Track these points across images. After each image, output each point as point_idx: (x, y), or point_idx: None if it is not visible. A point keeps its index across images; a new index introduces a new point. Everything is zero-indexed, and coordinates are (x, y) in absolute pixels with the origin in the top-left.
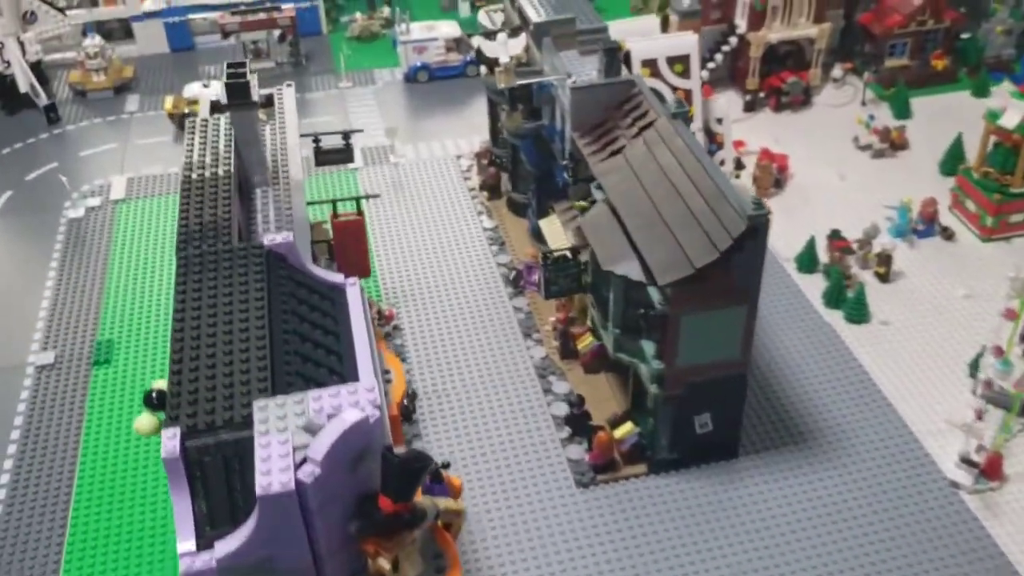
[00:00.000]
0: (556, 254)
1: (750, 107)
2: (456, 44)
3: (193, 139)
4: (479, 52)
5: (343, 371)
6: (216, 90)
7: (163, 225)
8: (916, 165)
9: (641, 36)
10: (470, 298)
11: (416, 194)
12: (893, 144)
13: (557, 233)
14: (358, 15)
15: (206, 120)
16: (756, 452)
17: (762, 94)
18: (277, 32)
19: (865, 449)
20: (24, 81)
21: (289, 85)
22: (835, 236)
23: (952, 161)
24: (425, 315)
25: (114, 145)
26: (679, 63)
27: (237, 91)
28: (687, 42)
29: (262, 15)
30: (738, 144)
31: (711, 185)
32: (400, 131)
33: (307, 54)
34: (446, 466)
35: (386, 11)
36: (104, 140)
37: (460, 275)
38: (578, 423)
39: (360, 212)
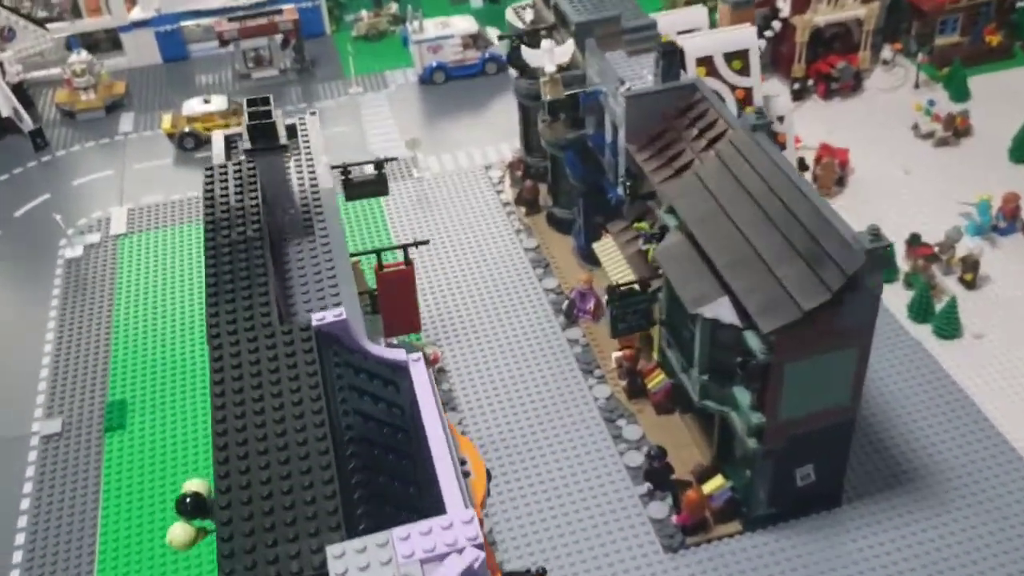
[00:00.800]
0: (623, 287)
1: (797, 96)
2: (473, 40)
3: (212, 192)
4: (511, 56)
5: (420, 478)
6: (217, 105)
7: (172, 261)
8: (983, 153)
9: (686, 29)
10: (518, 331)
11: (446, 212)
12: (956, 131)
13: (615, 259)
14: (363, 13)
15: (224, 167)
16: (859, 498)
17: (810, 81)
18: (279, 37)
19: (979, 488)
20: (6, 105)
21: (313, 113)
22: (915, 242)
23: (1023, 147)
24: (471, 353)
25: (110, 172)
26: (737, 59)
27: (262, 134)
28: (745, 36)
29: (262, 20)
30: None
31: (812, 211)
32: (422, 142)
33: (312, 58)
34: (542, 573)
35: (393, 7)
36: (98, 166)
37: (504, 305)
38: (659, 477)
39: (408, 262)
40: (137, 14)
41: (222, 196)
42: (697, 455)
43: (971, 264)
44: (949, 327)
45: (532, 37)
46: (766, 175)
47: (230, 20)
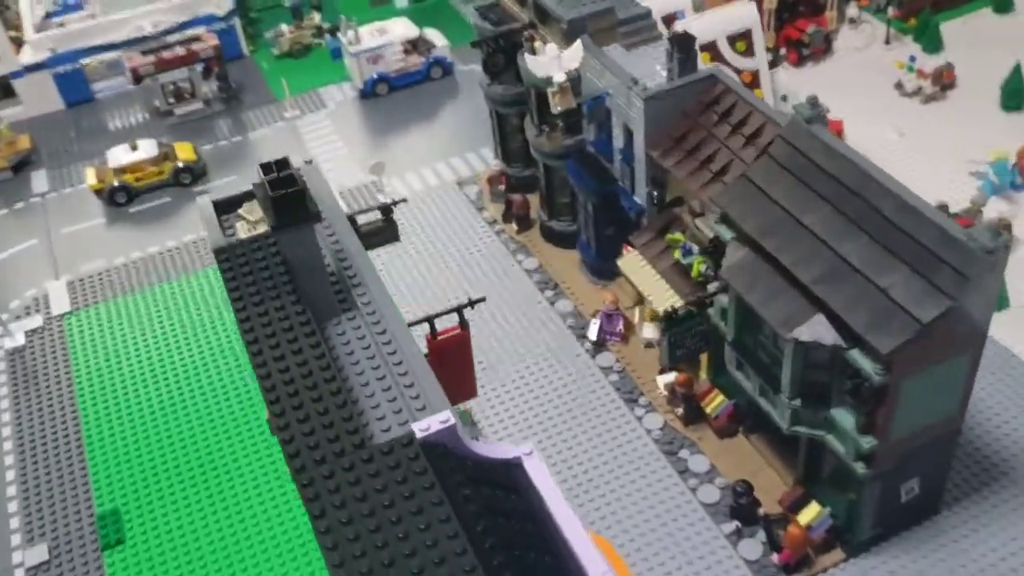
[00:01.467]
0: (679, 311)
1: (770, 66)
2: (414, 46)
3: (238, 285)
4: (487, 63)
5: None
6: (146, 151)
7: (132, 336)
8: (973, 105)
9: (669, 13)
10: (543, 365)
11: (428, 240)
12: (943, 85)
13: (649, 277)
14: (284, 28)
15: (243, 251)
16: (956, 500)
17: (782, 50)
18: (199, 66)
19: None
20: None
21: (308, 162)
22: (944, 212)
23: (1015, 95)
24: (497, 396)
25: (34, 241)
26: (741, 40)
27: (290, 205)
28: (746, 15)
29: (179, 49)
30: None
31: (904, 208)
32: (385, 165)
33: (237, 85)
34: None
35: (316, 18)
36: (19, 236)
37: (520, 336)
38: (747, 513)
39: (463, 324)
40: (28, 56)
41: (251, 289)
42: (776, 479)
43: (1003, 228)
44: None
45: (509, 40)
46: (838, 173)
47: (144, 53)
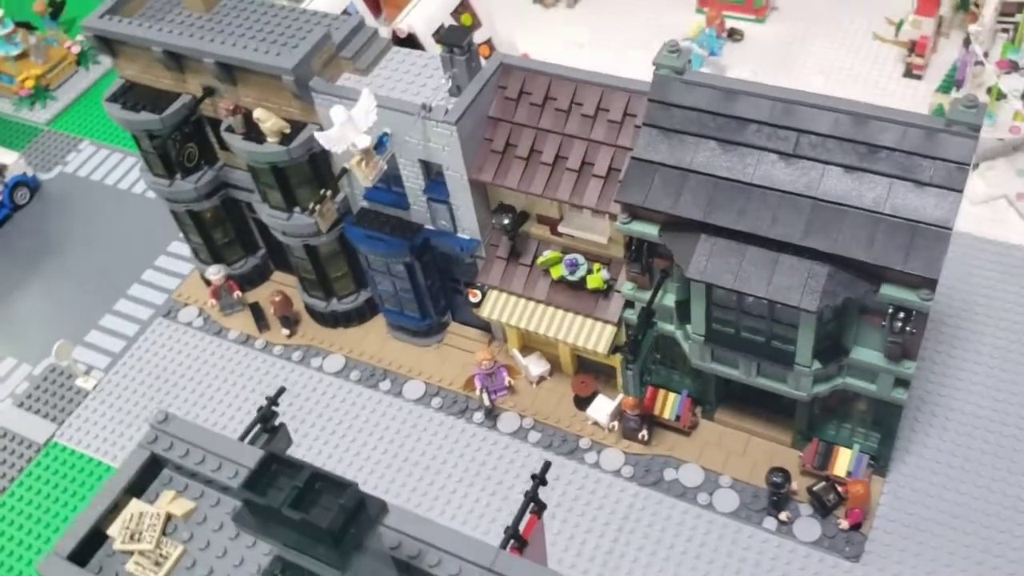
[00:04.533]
0: (639, 335)
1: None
2: None
3: None
4: (178, 160)
5: None
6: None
7: None
8: None
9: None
10: (448, 471)
11: (184, 407)
12: None
13: (529, 312)
14: None
15: None
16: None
17: None
18: None
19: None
20: None
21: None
22: None
23: None
24: None
25: None
26: (464, 14)
27: (350, 523)
28: None
29: None
30: None
31: (863, 121)
32: (69, 344)
33: None
34: None
35: None
36: None
37: (395, 455)
38: (786, 500)
39: (540, 509)
40: None
41: None
42: (767, 444)
43: None
44: None
45: (193, 123)
46: (752, 114)
47: None
